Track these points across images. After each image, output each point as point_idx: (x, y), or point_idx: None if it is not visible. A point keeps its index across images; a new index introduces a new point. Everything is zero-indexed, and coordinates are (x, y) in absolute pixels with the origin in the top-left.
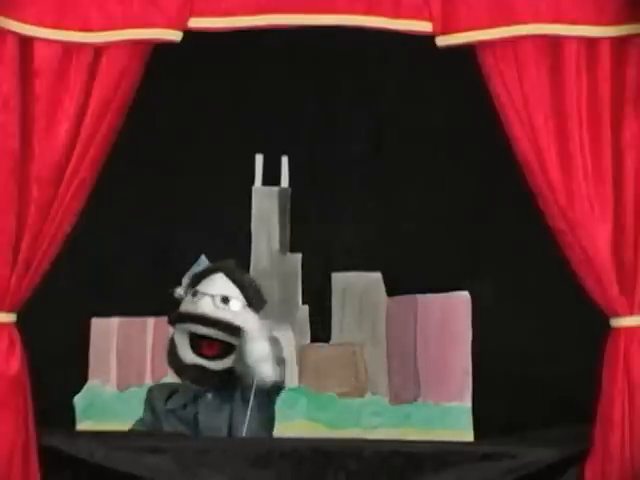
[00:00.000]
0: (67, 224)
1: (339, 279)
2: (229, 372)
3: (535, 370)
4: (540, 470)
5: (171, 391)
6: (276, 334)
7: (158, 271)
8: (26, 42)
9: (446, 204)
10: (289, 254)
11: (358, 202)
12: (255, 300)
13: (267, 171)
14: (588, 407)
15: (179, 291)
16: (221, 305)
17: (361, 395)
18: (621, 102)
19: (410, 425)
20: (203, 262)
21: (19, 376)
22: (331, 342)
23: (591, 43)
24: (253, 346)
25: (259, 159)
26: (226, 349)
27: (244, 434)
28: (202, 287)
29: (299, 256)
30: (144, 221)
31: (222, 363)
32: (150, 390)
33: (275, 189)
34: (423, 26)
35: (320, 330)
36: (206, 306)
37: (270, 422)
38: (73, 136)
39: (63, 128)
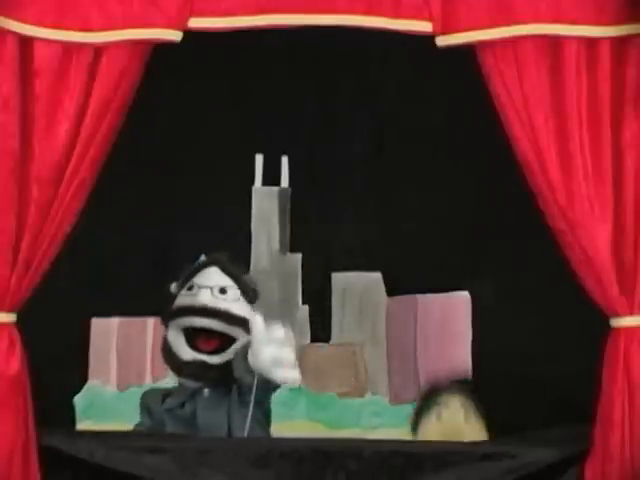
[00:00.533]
0: (67, 224)
1: (339, 279)
2: (228, 366)
3: (535, 370)
4: (540, 470)
5: (165, 394)
6: (286, 331)
7: (158, 271)
8: (26, 42)
9: (446, 204)
10: (289, 254)
11: (358, 202)
12: (250, 292)
13: (267, 171)
14: (588, 407)
15: (173, 287)
16: (220, 296)
17: (361, 395)
18: (621, 102)
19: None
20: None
21: (19, 376)
22: (331, 342)
23: (591, 43)
24: (263, 349)
25: (259, 159)
26: (223, 342)
27: (246, 434)
28: (198, 280)
29: (299, 256)
30: (144, 221)
31: (220, 357)
32: (144, 395)
33: (275, 189)
34: (423, 26)
35: (320, 330)
36: (206, 297)
37: (267, 419)
38: (73, 136)
39: (63, 128)
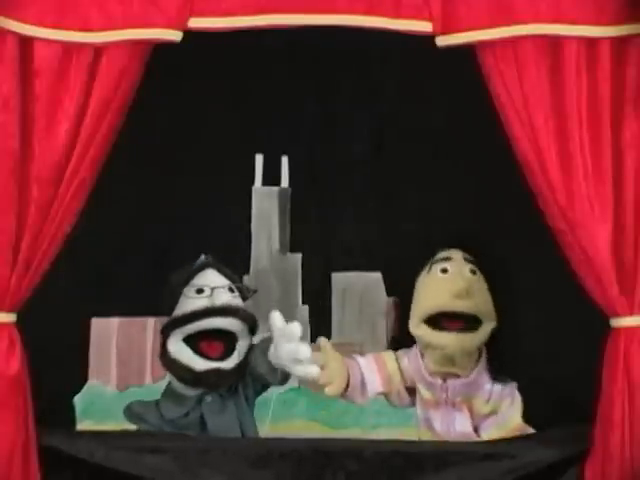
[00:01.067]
0: (67, 224)
1: (339, 279)
2: (239, 369)
3: (535, 370)
4: (540, 470)
5: (156, 403)
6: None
7: (158, 271)
8: (26, 42)
9: (446, 204)
10: (289, 254)
11: (358, 202)
12: (244, 289)
13: (267, 171)
14: (588, 407)
15: (172, 295)
16: (231, 295)
17: None
18: (621, 102)
19: (410, 425)
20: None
21: (19, 376)
22: (331, 342)
23: (591, 43)
24: (284, 345)
25: (259, 159)
26: (227, 344)
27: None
28: (203, 282)
29: (299, 256)
30: (144, 221)
31: (231, 361)
32: (130, 407)
33: (275, 189)
34: (423, 26)
35: (320, 330)
36: (224, 297)
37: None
38: (73, 136)
39: (63, 128)
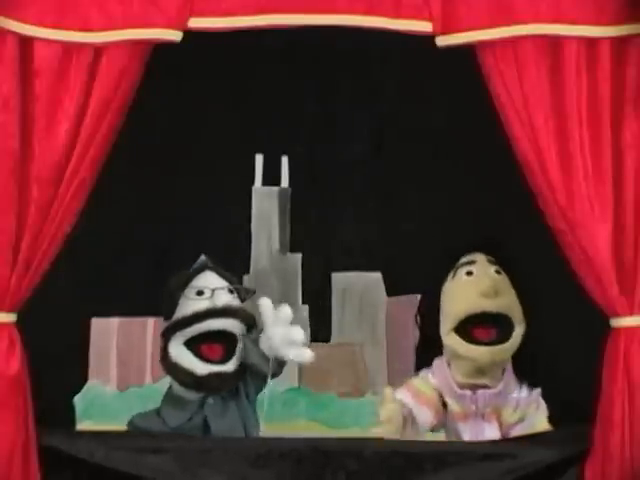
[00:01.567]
0: (67, 224)
1: (339, 279)
2: (240, 371)
3: (535, 370)
4: (540, 470)
5: (157, 412)
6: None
7: (158, 271)
8: (26, 42)
9: (446, 204)
10: (289, 254)
11: (358, 202)
12: (242, 291)
13: (267, 171)
14: (588, 407)
15: (172, 299)
16: (231, 296)
17: (361, 395)
18: (621, 102)
19: None
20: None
21: (19, 376)
22: (331, 342)
23: (591, 43)
24: (274, 330)
25: (259, 159)
26: (227, 346)
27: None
28: (203, 284)
29: (299, 256)
30: (144, 221)
31: (232, 363)
32: (134, 421)
33: (275, 189)
34: (423, 26)
35: (320, 330)
36: (225, 298)
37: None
38: (73, 136)
39: (63, 128)
